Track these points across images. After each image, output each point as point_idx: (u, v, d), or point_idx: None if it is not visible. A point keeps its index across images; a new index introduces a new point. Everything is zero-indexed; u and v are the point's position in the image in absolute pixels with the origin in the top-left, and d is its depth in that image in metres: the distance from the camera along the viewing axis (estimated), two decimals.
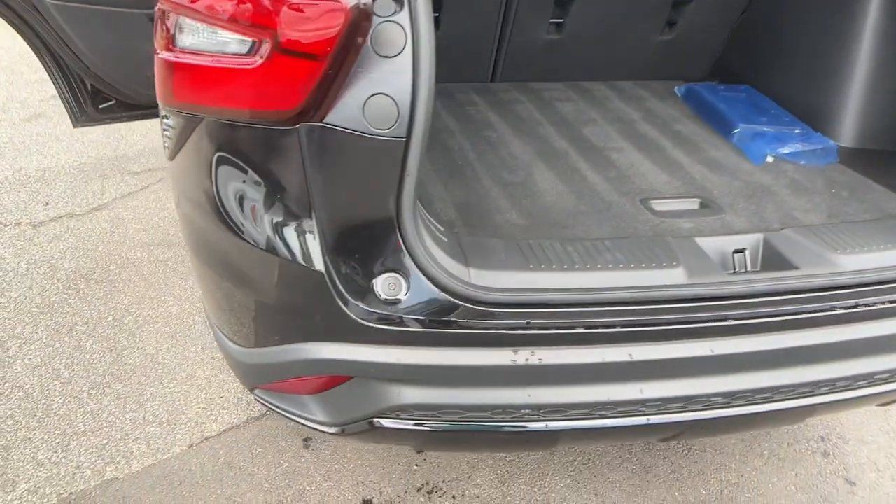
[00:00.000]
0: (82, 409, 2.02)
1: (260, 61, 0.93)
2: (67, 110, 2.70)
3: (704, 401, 1.18)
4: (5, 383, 2.09)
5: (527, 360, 1.09)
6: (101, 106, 2.74)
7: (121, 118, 2.81)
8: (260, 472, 1.87)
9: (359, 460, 1.91)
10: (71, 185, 3.15)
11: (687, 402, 1.17)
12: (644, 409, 1.16)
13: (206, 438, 1.95)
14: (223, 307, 1.27)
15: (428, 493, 1.84)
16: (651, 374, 1.13)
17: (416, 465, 1.91)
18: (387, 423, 1.18)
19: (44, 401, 2.04)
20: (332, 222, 1.04)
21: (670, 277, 1.13)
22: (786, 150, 1.67)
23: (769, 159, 1.68)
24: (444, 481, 1.87)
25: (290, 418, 1.32)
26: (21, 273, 2.57)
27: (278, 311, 1.13)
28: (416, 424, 1.17)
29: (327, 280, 1.05)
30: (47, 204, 3.00)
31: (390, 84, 0.95)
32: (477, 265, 1.12)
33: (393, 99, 0.95)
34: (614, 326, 1.09)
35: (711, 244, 1.26)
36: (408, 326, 1.08)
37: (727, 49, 2.16)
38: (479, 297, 1.07)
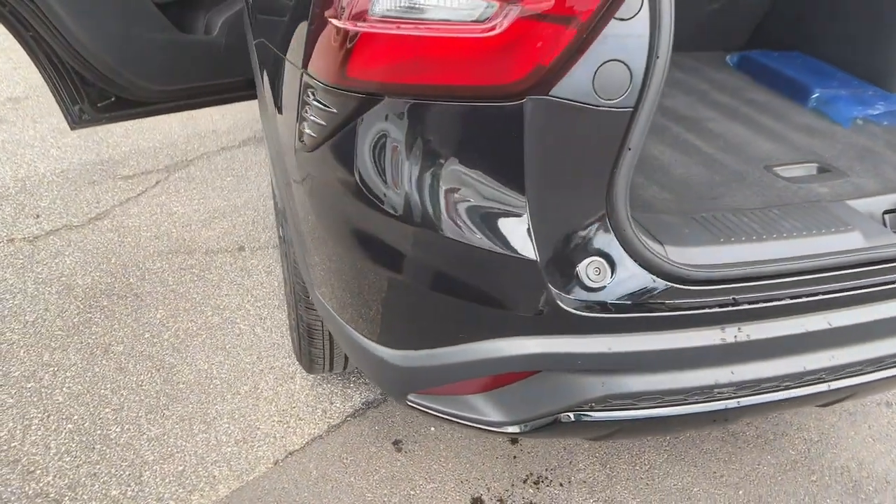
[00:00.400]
0: (145, 436, 1.84)
1: (502, 28, 0.84)
2: (63, 111, 2.45)
3: (879, 362, 1.19)
4: (49, 416, 1.88)
5: (735, 337, 1.06)
6: (99, 104, 2.51)
7: (123, 117, 2.58)
8: (358, 482, 1.77)
9: (456, 458, 1.84)
10: (59, 195, 2.87)
11: (865, 365, 1.18)
12: (826, 375, 1.16)
13: (290, 453, 1.83)
14: (378, 310, 1.17)
15: (534, 483, 1.79)
16: (844, 339, 1.13)
17: (515, 456, 1.86)
18: (578, 416, 1.13)
19: (99, 431, 1.85)
20: (543, 206, 0.97)
21: (852, 241, 1.13)
22: (873, 111, 1.71)
23: (858, 122, 1.72)
24: (546, 470, 1.83)
25: (453, 422, 1.24)
26: (30, 294, 2.32)
27: (470, 308, 1.05)
28: (610, 415, 1.12)
29: (540, 269, 0.98)
30: (38, 217, 2.72)
31: (625, 49, 0.88)
32: (670, 242, 1.08)
33: (627, 66, 0.89)
34: (816, 294, 1.08)
35: (861, 206, 1.27)
36: (617, 313, 1.03)
37: (768, 16, 2.19)
38: (690, 275, 1.03)
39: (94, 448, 1.80)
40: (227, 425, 1.89)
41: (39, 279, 2.40)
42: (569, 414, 1.13)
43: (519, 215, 0.97)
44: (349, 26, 0.93)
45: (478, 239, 0.98)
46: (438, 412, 1.24)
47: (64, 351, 2.11)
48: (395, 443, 1.88)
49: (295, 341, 1.80)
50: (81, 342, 2.14)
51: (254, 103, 3.28)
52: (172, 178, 3.03)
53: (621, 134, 0.93)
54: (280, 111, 1.27)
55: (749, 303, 1.06)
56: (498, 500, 1.74)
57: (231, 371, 2.06)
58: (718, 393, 1.12)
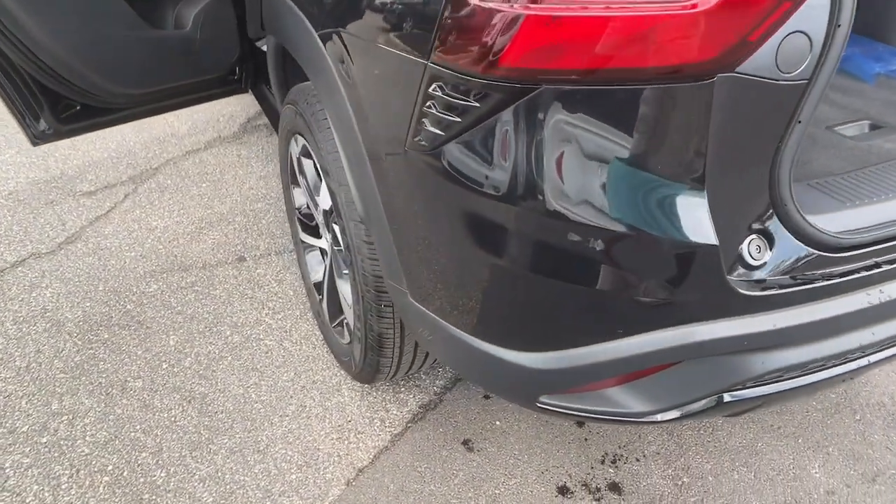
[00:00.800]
0: (197, 476, 1.68)
1: (710, 3, 0.78)
2: (22, 125, 2.17)
3: None
4: (79, 471, 1.68)
5: (879, 299, 1.08)
6: (63, 115, 2.23)
7: (91, 127, 2.31)
8: (439, 489, 1.69)
9: (529, 450, 1.80)
10: (14, 220, 2.55)
11: None
12: None
13: (360, 470, 1.73)
14: (513, 314, 1.11)
15: (612, 462, 1.79)
16: None
17: (586, 438, 1.85)
18: (730, 396, 1.12)
19: (142, 479, 1.67)
20: (718, 188, 0.93)
21: None
22: (892, 67, 1.79)
23: (882, 78, 1.79)
24: (619, 447, 1.83)
25: (588, 418, 1.20)
26: (14, 337, 2.05)
27: (634, 301, 1.00)
28: (760, 391, 1.12)
29: (719, 253, 0.95)
30: None
31: (809, 19, 0.85)
32: (807, 212, 1.07)
33: (808, 37, 0.86)
34: None
35: None
36: (779, 288, 1.02)
37: None
38: (839, 243, 1.03)
39: (141, 499, 1.63)
40: (283, 451, 1.76)
41: (19, 318, 2.13)
42: (720, 395, 1.12)
43: (698, 200, 0.93)
44: (516, 9, 0.84)
45: (656, 229, 0.93)
46: (574, 410, 1.20)
47: (73, 395, 1.88)
48: (465, 442, 1.81)
49: (356, 352, 1.68)
50: (91, 383, 1.92)
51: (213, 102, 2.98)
52: (141, 189, 2.76)
53: (793, 107, 0.91)
54: (372, 110, 1.16)
55: (887, 263, 1.08)
56: (583, 485, 1.73)
57: (270, 392, 1.92)
58: (852, 354, 1.14)
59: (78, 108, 2.24)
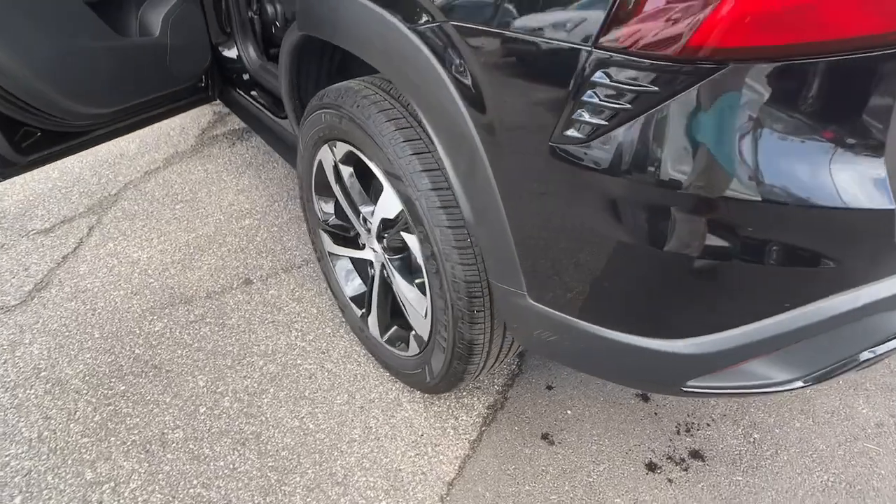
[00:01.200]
0: None
1: None
2: None
3: None
4: None
5: None
6: (24, 144, 1.94)
7: (56, 155, 2.05)
8: (535, 487, 1.65)
9: (607, 433, 1.80)
10: None
11: None
12: None
13: (450, 484, 1.65)
14: (679, 302, 1.08)
15: (686, 431, 1.82)
16: None
17: (656, 413, 1.86)
18: (870, 353, 1.15)
19: None
20: (891, 153, 0.94)
21: None
22: None
23: None
24: (689, 416, 1.86)
25: (729, 395, 1.21)
26: (11, 406, 1.78)
27: (805, 273, 0.99)
28: (893, 344, 1.16)
29: (893, 215, 0.96)
30: None
31: None
32: None
33: None
34: None
35: None
36: None
37: None
38: None
39: None
40: (364, 478, 1.64)
41: (9, 383, 1.84)
42: (862, 353, 1.15)
43: (880, 169, 0.93)
44: None
45: (842, 201, 0.93)
46: (718, 389, 1.19)
47: (107, 460, 1.66)
48: (544, 437, 1.77)
49: (436, 363, 1.58)
50: (123, 442, 1.70)
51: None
52: (106, 219, 2.47)
53: None
54: (498, 105, 1.07)
55: None
56: (667, 458, 1.74)
57: (328, 419, 1.78)
58: None
59: (39, 134, 1.96)
